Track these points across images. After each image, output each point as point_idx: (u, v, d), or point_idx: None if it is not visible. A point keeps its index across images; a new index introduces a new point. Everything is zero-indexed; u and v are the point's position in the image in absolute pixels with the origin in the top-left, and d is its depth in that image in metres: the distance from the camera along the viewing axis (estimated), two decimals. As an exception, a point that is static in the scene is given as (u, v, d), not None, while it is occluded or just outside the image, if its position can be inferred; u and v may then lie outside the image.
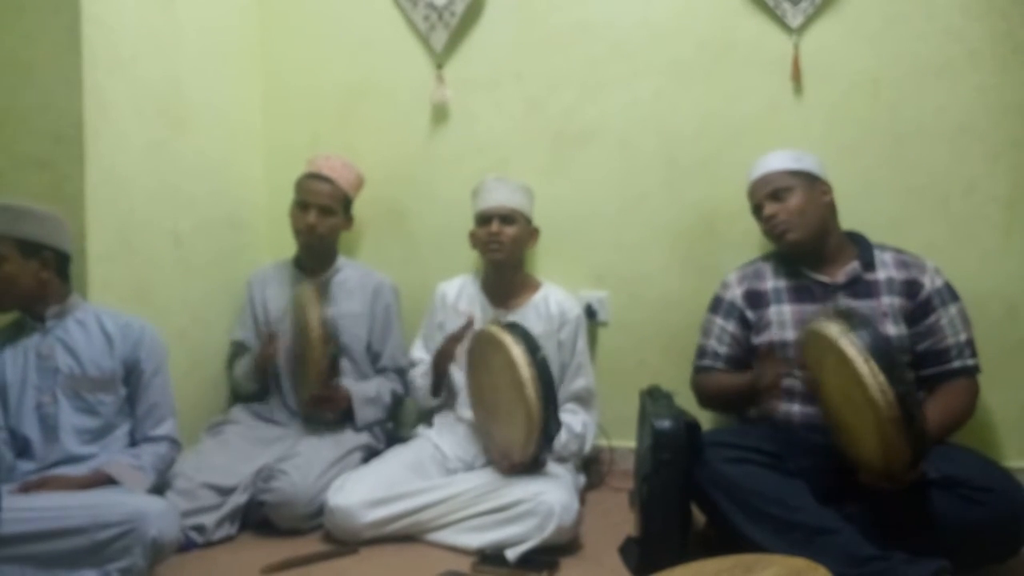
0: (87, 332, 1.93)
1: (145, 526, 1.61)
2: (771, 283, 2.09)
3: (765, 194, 2.05)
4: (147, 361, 1.97)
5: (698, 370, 2.17)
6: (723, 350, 2.11)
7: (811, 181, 2.05)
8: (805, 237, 2.02)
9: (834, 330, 1.67)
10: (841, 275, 2.02)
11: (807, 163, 2.07)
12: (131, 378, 1.96)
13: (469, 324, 2.31)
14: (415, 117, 2.72)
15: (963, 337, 1.96)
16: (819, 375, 1.79)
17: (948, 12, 2.29)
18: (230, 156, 2.67)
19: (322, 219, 2.42)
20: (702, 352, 2.16)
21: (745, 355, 2.10)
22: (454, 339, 2.30)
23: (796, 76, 2.39)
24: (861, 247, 2.07)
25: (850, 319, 1.69)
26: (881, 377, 1.57)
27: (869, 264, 2.03)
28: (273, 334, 2.41)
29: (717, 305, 2.16)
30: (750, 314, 2.09)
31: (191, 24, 2.46)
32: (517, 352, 2.01)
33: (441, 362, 2.33)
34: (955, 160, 2.30)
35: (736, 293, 2.12)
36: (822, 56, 2.38)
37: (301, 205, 2.44)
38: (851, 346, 1.62)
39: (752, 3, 2.43)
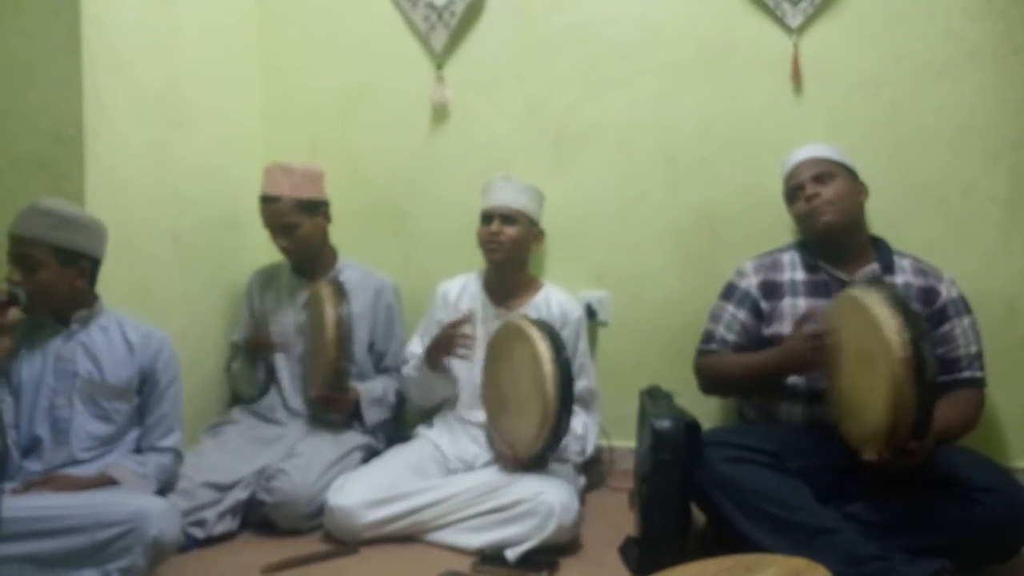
0: (109, 339, 1.93)
1: (146, 526, 1.60)
2: (788, 275, 2.09)
3: (811, 176, 2.05)
4: (163, 372, 1.98)
5: (703, 353, 2.14)
6: (731, 337, 2.09)
7: (852, 176, 2.09)
8: (840, 222, 2.02)
9: (858, 289, 1.76)
10: (860, 275, 2.02)
11: (850, 161, 2.11)
12: (145, 387, 1.97)
13: (467, 317, 2.30)
14: (415, 117, 2.72)
15: (974, 349, 1.97)
16: (839, 341, 1.80)
17: (948, 12, 2.29)
18: (229, 156, 2.67)
19: (288, 236, 2.38)
20: (709, 337, 2.13)
21: (752, 346, 2.09)
22: (452, 327, 2.25)
23: (796, 76, 2.39)
24: (881, 250, 2.08)
25: (877, 283, 1.78)
26: (898, 321, 1.62)
27: (889, 267, 2.04)
28: (263, 326, 2.42)
29: (730, 292, 2.14)
30: (764, 304, 2.09)
31: (191, 24, 2.46)
32: (543, 347, 2.00)
33: (435, 353, 2.28)
34: (955, 160, 2.30)
35: (752, 282, 2.11)
36: (822, 56, 2.38)
37: (268, 228, 2.42)
38: (870, 295, 1.70)
39: (752, 3, 2.43)
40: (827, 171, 2.05)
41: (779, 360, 1.93)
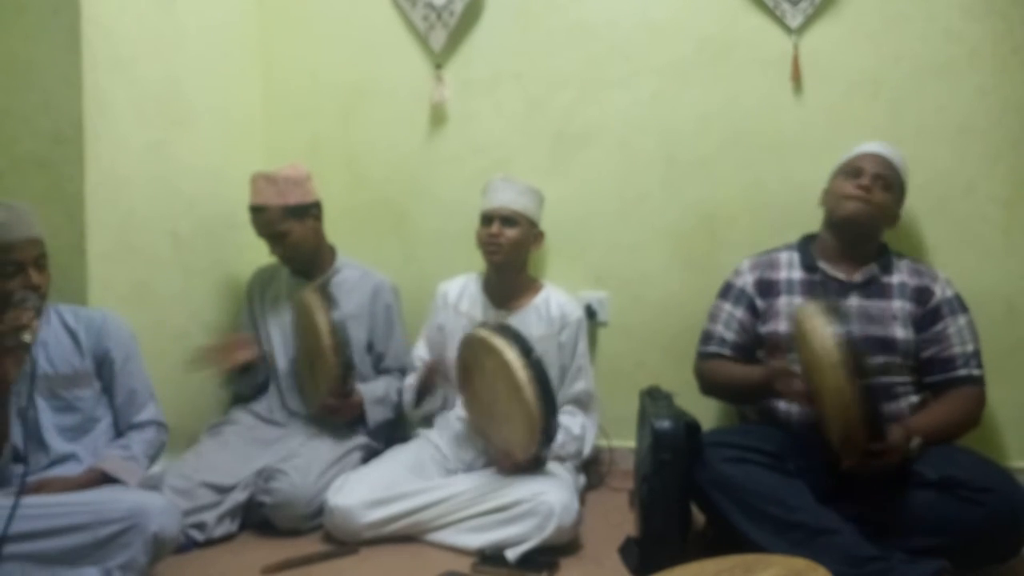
0: (52, 330, 1.91)
1: (146, 521, 1.61)
2: (785, 274, 2.10)
3: (877, 172, 2.04)
4: (116, 350, 1.94)
5: (703, 356, 2.15)
6: (730, 336, 2.10)
7: (902, 192, 2.11)
8: (866, 223, 2.03)
9: (802, 305, 1.85)
10: (858, 274, 2.03)
11: (907, 179, 2.12)
12: (103, 370, 1.94)
13: (438, 363, 2.30)
14: (415, 117, 2.72)
15: (970, 348, 1.98)
16: (803, 355, 1.82)
17: (948, 13, 2.29)
18: (230, 156, 2.67)
19: (280, 244, 2.39)
20: (708, 337, 2.15)
21: (751, 343, 2.10)
22: (433, 370, 2.30)
23: (796, 76, 2.39)
24: (881, 251, 2.09)
25: (826, 303, 1.83)
26: (831, 328, 1.66)
27: (886, 267, 2.04)
28: (249, 336, 2.42)
29: (727, 291, 2.15)
30: (759, 302, 2.09)
31: (191, 24, 2.46)
32: (511, 355, 2.00)
33: (427, 384, 2.32)
34: (955, 160, 2.30)
35: (747, 280, 2.12)
36: (822, 56, 2.38)
37: (260, 237, 2.43)
38: (807, 308, 1.78)
39: (752, 3, 2.43)
40: (893, 181, 2.06)
41: (762, 383, 1.95)
